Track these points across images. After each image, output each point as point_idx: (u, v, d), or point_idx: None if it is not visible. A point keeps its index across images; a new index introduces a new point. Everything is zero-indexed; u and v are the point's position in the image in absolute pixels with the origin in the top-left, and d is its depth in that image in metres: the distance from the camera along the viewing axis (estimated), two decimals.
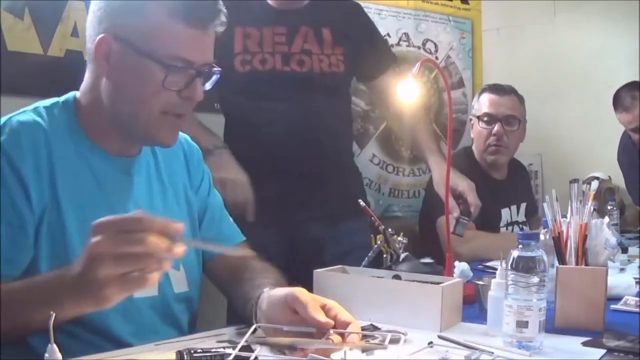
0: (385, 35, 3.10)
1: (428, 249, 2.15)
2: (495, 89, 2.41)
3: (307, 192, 1.87)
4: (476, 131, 2.42)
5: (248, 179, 1.74)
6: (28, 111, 1.14)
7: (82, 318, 1.03)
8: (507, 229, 2.41)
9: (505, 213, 2.41)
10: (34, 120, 1.11)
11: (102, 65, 1.12)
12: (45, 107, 1.16)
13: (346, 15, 2.02)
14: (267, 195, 1.77)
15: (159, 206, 1.24)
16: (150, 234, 0.86)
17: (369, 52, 2.02)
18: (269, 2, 1.92)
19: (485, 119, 2.37)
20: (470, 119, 2.51)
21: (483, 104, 2.40)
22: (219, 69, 1.19)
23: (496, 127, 2.35)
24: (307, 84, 1.90)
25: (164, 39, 1.09)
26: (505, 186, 2.39)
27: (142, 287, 0.88)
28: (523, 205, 2.49)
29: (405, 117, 2.06)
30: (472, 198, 1.88)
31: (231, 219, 1.41)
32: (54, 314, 0.76)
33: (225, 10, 1.16)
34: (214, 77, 1.19)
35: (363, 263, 1.46)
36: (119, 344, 1.10)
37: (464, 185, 1.90)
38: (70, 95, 1.20)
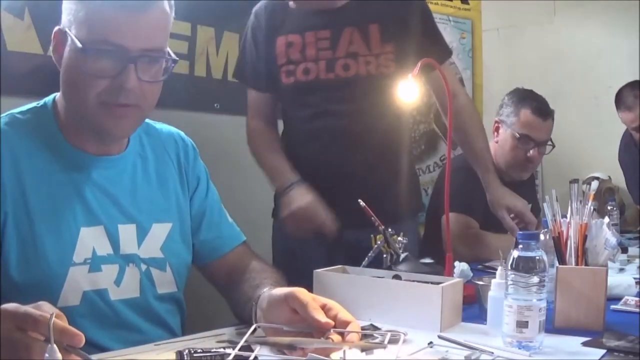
0: None
1: (432, 248, 2.15)
2: (540, 111, 2.33)
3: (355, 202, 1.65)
4: (506, 140, 2.36)
5: (318, 200, 1.72)
6: (1, 118, 1.14)
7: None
8: None
9: None
10: (1, 130, 1.12)
11: (57, 59, 1.13)
12: (20, 112, 1.17)
13: (395, 8, 1.84)
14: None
15: (144, 202, 1.23)
16: (38, 341, 0.76)
17: (424, 44, 1.85)
18: (306, 5, 1.82)
19: (524, 140, 2.33)
20: (497, 122, 2.42)
21: (525, 123, 2.32)
22: (172, 57, 1.15)
23: (532, 152, 2.33)
24: (353, 90, 1.80)
25: (95, 26, 1.07)
26: (514, 188, 2.38)
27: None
28: (529, 207, 2.49)
29: (461, 118, 1.96)
30: (530, 217, 1.95)
31: (230, 219, 1.41)
32: (54, 314, 0.75)
33: None
34: (169, 66, 1.15)
35: (363, 263, 1.46)
36: (94, 346, 1.09)
37: (521, 205, 1.96)
38: (50, 97, 1.20)
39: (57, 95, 1.19)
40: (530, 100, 2.35)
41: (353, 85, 1.79)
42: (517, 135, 2.32)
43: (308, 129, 1.83)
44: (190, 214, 1.32)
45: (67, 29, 1.10)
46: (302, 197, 1.72)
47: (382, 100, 1.80)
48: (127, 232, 1.19)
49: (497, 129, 2.42)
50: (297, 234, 1.73)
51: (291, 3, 1.82)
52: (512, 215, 1.98)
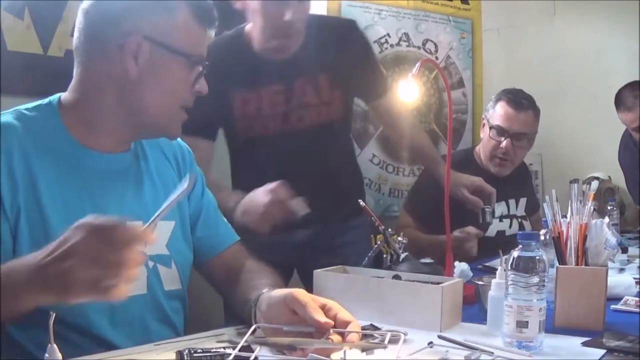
0: (385, 36, 3.11)
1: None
2: (515, 102, 2.33)
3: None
4: (486, 134, 2.40)
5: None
6: (7, 113, 1.14)
7: (64, 317, 1.03)
8: (501, 221, 2.41)
9: (499, 207, 2.41)
10: (9, 123, 1.11)
11: (130, 64, 1.13)
12: (26, 109, 1.16)
13: (341, 44, 1.90)
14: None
15: (149, 204, 1.23)
16: (129, 244, 0.84)
17: (369, 82, 1.97)
18: (258, 51, 1.82)
19: (496, 130, 2.34)
20: (483, 118, 2.45)
21: (498, 114, 2.34)
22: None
23: (505, 143, 2.32)
24: (306, 140, 1.86)
25: (186, 37, 1.16)
26: (504, 182, 2.40)
27: (108, 298, 0.84)
28: (523, 200, 2.49)
29: (405, 130, 2.08)
30: (488, 187, 2.02)
31: (225, 220, 1.41)
32: (54, 314, 0.75)
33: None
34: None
35: (363, 263, 1.46)
36: (104, 343, 1.10)
37: (477, 179, 2.04)
38: (55, 96, 1.20)
39: (63, 95, 1.19)
40: (507, 94, 2.37)
41: (306, 135, 1.86)
42: (492, 126, 2.34)
43: (258, 181, 1.75)
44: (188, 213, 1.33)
45: (144, 37, 1.12)
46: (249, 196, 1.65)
47: (332, 140, 1.93)
48: None
49: (483, 126, 2.44)
50: (261, 226, 1.58)
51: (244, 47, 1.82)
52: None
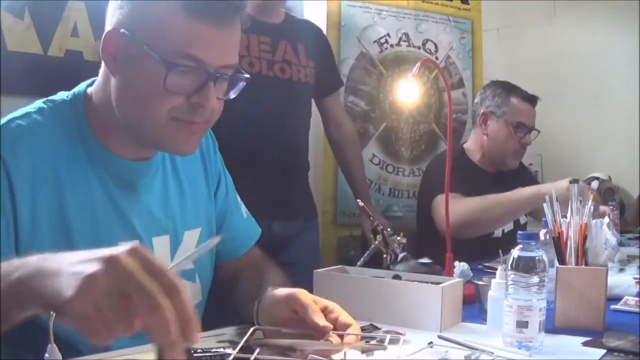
0: (385, 36, 3.11)
1: (426, 248, 2.14)
2: (529, 98, 2.39)
3: (272, 193, 2.05)
4: (499, 129, 2.38)
5: None
6: (31, 113, 1.06)
7: None
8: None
9: None
10: (36, 122, 1.04)
11: (108, 62, 1.04)
12: (50, 108, 1.08)
13: (313, 37, 2.28)
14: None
15: (176, 208, 1.19)
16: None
17: (328, 68, 2.32)
18: (251, 11, 1.94)
19: (518, 127, 2.38)
20: (484, 113, 2.41)
21: (517, 111, 2.37)
22: (246, 74, 1.09)
23: (526, 138, 2.40)
24: (286, 90, 2.13)
25: (173, 35, 0.98)
26: (499, 178, 2.43)
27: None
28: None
29: (345, 147, 2.43)
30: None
31: (245, 212, 1.36)
32: (54, 314, 0.75)
33: (247, 9, 1.05)
34: (240, 84, 1.08)
35: (358, 263, 1.46)
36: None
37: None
38: (80, 89, 1.12)
39: (88, 89, 1.11)
40: (517, 90, 2.42)
41: (287, 86, 2.13)
42: (515, 124, 2.37)
43: (236, 118, 1.78)
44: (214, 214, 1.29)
45: (125, 31, 1.00)
46: None
47: (302, 104, 2.23)
48: (161, 245, 1.14)
49: (484, 121, 2.41)
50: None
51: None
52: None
